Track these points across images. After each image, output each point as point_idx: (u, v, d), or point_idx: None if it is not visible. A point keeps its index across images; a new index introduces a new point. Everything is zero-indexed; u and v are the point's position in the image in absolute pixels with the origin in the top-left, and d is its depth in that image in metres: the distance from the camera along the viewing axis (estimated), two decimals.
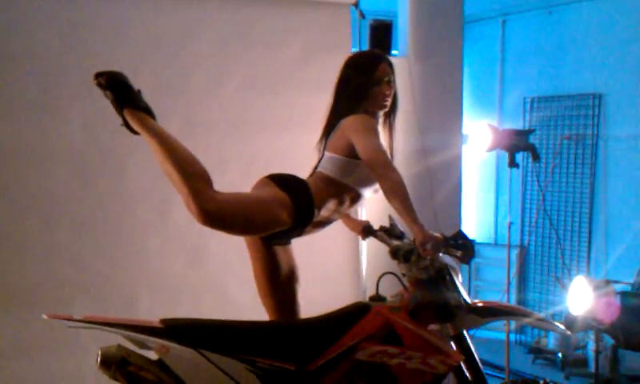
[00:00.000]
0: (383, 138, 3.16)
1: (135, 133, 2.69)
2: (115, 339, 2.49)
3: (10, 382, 3.70)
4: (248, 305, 3.94)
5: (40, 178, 3.93)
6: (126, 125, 2.69)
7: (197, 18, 4.32)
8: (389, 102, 3.18)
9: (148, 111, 2.69)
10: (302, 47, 4.57)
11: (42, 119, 3.92)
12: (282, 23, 4.56)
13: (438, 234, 2.67)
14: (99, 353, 2.43)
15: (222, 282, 4.30)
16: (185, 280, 4.20)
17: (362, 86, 3.12)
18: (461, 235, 2.65)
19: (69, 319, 2.44)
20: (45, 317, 2.45)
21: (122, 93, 2.64)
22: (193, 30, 4.30)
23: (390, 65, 3.19)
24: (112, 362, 2.42)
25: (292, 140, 4.29)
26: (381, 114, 3.21)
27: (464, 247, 2.62)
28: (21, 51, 3.89)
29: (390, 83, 3.16)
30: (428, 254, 2.66)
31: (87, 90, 3.85)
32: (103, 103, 3.71)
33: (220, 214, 2.64)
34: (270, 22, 4.52)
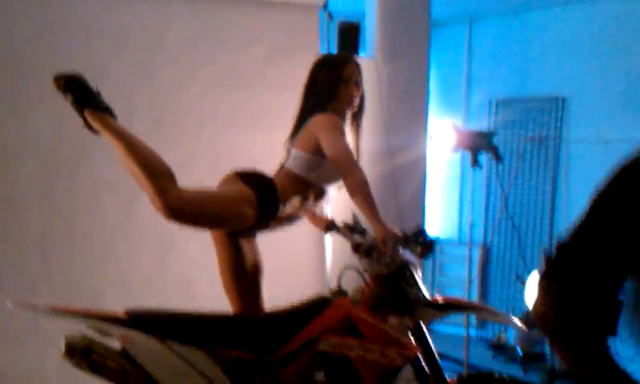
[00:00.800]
0: (350, 138, 3.27)
1: (96, 133, 2.75)
2: (78, 329, 2.55)
3: None
4: (215, 299, 4.03)
5: (8, 175, 3.96)
6: (87, 125, 2.75)
7: (166, 17, 4.36)
8: (356, 103, 3.29)
9: (108, 111, 2.75)
10: (271, 48, 4.63)
11: (9, 118, 3.95)
12: (250, 24, 4.61)
13: (398, 232, 2.79)
14: (63, 341, 2.49)
15: (190, 277, 4.35)
16: (152, 276, 4.25)
17: (330, 86, 3.23)
18: (420, 232, 2.76)
19: (34, 308, 2.50)
20: (9, 304, 2.50)
21: (81, 94, 2.69)
22: (162, 29, 4.34)
23: (358, 66, 3.31)
24: (76, 351, 2.48)
25: (259, 138, 4.36)
26: (348, 114, 3.32)
27: (423, 244, 2.74)
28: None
29: (358, 84, 3.27)
30: (388, 250, 2.77)
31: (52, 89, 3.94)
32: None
33: (185, 210, 2.72)
34: (239, 22, 4.57)
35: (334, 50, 5.00)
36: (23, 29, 4.01)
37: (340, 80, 3.24)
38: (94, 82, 2.76)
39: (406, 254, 2.98)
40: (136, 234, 4.24)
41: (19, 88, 3.97)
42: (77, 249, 4.10)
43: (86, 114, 2.70)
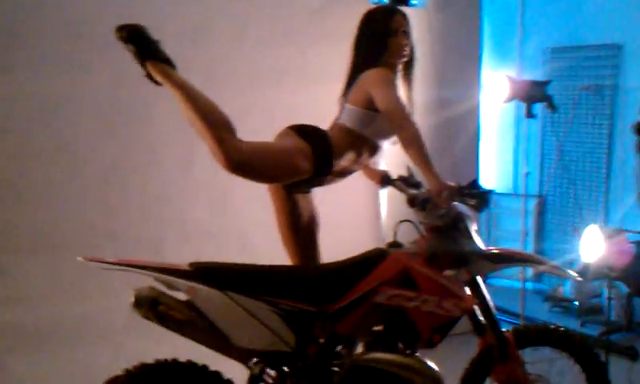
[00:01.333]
0: (402, 90, 3.25)
1: (158, 84, 2.76)
2: (145, 282, 2.61)
3: (42, 325, 3.85)
4: (268, 251, 4.07)
5: (68, 127, 4.02)
6: (149, 76, 2.76)
7: None
8: (406, 53, 3.26)
9: (169, 62, 2.76)
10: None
11: (69, 70, 3.99)
12: None
13: (452, 184, 2.77)
14: (133, 293, 2.55)
15: (244, 228, 4.41)
16: (208, 226, 4.31)
17: (379, 39, 3.21)
18: (475, 184, 2.74)
19: (102, 261, 2.56)
20: (80, 259, 2.55)
21: (143, 45, 2.70)
22: None
23: (405, 16, 3.28)
24: (144, 302, 2.54)
25: (310, 91, 4.38)
26: (400, 66, 3.29)
27: (478, 196, 2.72)
28: (48, 3, 3.95)
29: (407, 34, 3.24)
30: (443, 203, 2.76)
31: (113, 41, 3.96)
32: (129, 55, 3.79)
33: (244, 161, 2.74)
34: None
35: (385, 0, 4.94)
36: None
37: (388, 31, 3.22)
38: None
39: (461, 207, 2.98)
40: (193, 187, 4.28)
41: (78, 41, 4.00)
42: (135, 201, 4.16)
43: (148, 64, 2.71)
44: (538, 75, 7.05)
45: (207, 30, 4.22)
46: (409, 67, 3.34)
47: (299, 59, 4.55)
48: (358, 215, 4.81)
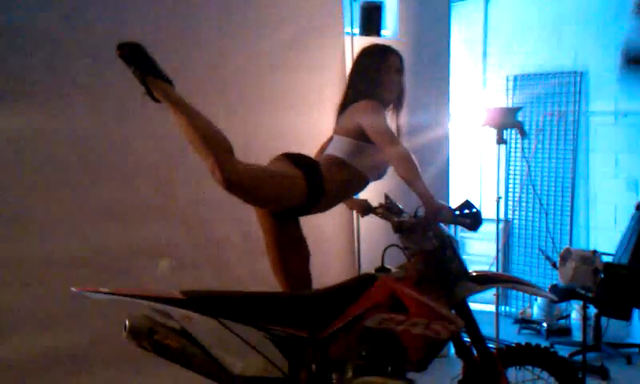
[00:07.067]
0: (391, 121, 3.35)
1: (157, 101, 2.80)
2: (125, 313, 2.60)
3: (21, 359, 3.79)
4: (251, 279, 4.09)
5: (47, 160, 3.99)
6: (149, 94, 2.79)
7: (195, 1, 4.40)
8: (396, 90, 3.38)
9: (169, 81, 2.80)
10: (296, 31, 4.65)
11: (45, 103, 3.97)
12: (275, 8, 4.64)
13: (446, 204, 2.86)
14: (127, 322, 2.55)
15: (224, 257, 4.39)
16: (189, 255, 4.29)
17: (373, 74, 3.33)
18: (468, 204, 2.81)
19: (96, 291, 2.56)
20: (73, 289, 2.55)
21: (143, 63, 2.75)
22: (190, 16, 4.37)
23: (399, 56, 3.41)
24: (140, 332, 2.54)
25: (289, 120, 4.41)
26: (389, 102, 3.41)
27: (472, 216, 2.79)
28: (25, 33, 3.94)
29: (399, 72, 3.36)
30: (440, 221, 2.82)
31: (90, 71, 3.94)
32: (107, 87, 3.80)
33: (241, 181, 2.80)
34: (265, 6, 4.60)
35: (358, 31, 5.03)
36: (57, 10, 4.01)
37: (382, 69, 3.34)
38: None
39: (445, 229, 3.05)
40: (172, 218, 4.27)
41: (54, 74, 3.98)
42: (117, 231, 4.13)
43: (148, 82, 2.75)
44: (503, 102, 7.23)
45: (186, 61, 4.24)
46: (398, 103, 3.45)
47: (273, 88, 4.58)
48: (334, 242, 4.83)
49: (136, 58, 2.74)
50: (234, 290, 2.82)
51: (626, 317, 5.39)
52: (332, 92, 4.23)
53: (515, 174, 7.46)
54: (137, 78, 2.76)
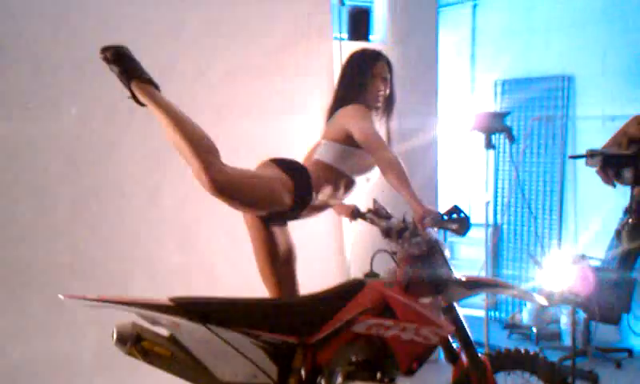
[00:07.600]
0: (379, 125, 3.34)
1: (142, 105, 2.77)
2: (113, 320, 2.58)
3: (15, 364, 3.78)
4: (238, 286, 4.06)
5: (35, 167, 3.98)
6: (134, 97, 2.77)
7: (182, 6, 4.38)
8: (382, 98, 3.34)
9: (153, 84, 2.78)
10: (284, 36, 4.65)
11: (34, 108, 3.95)
12: (264, 12, 4.63)
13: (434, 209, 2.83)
14: (115, 330, 2.52)
15: (212, 263, 4.39)
16: (176, 262, 4.28)
17: (360, 80, 3.32)
18: (456, 209, 2.79)
19: (84, 298, 2.54)
20: (61, 297, 2.53)
21: (128, 66, 2.73)
22: (176, 21, 4.36)
23: (389, 63, 3.38)
24: (128, 339, 2.52)
25: (277, 125, 4.40)
26: (378, 107, 3.38)
27: (460, 220, 2.76)
28: (12, 41, 3.92)
29: (386, 80, 3.34)
30: (428, 226, 2.79)
31: (78, 79, 3.93)
32: (94, 92, 3.78)
33: (228, 185, 2.77)
34: (252, 11, 4.59)
35: (346, 35, 5.02)
36: (44, 19, 4.00)
37: (370, 75, 3.32)
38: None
39: (434, 234, 3.03)
40: (160, 223, 4.26)
41: (42, 80, 3.97)
42: (104, 239, 4.12)
43: (133, 85, 2.73)
44: (490, 107, 7.23)
45: (173, 65, 4.22)
46: (387, 108, 3.43)
47: (261, 94, 4.57)
48: (322, 247, 4.81)
49: (121, 60, 2.71)
50: (223, 297, 2.79)
51: (615, 321, 5.39)
52: (320, 97, 4.22)
53: (504, 179, 7.46)
54: (121, 81, 2.74)
